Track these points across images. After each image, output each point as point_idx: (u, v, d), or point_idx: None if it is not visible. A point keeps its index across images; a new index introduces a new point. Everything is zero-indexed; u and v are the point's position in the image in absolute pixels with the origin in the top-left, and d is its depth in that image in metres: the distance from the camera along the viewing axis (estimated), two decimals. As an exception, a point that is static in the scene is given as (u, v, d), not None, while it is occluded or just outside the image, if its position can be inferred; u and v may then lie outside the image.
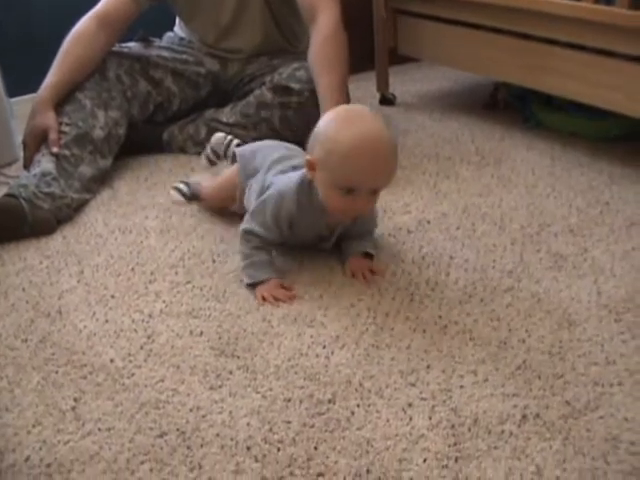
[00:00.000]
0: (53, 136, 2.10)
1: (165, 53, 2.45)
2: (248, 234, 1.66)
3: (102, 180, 2.20)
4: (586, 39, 2.07)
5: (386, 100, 2.78)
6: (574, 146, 2.29)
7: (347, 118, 1.55)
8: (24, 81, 2.75)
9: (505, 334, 1.45)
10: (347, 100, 2.18)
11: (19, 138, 2.49)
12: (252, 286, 1.63)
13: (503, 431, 1.22)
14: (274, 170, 1.73)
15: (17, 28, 2.81)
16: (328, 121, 1.57)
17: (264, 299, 1.60)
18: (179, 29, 2.57)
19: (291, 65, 2.32)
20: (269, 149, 1.83)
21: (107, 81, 2.29)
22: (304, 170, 1.62)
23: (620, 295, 1.55)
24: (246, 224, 1.67)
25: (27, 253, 1.87)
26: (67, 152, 2.10)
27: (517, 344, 1.42)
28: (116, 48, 2.38)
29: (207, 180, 2.03)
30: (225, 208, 1.94)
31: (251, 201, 1.73)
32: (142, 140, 2.38)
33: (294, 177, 1.64)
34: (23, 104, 2.79)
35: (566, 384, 1.31)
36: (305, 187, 1.62)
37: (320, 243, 1.74)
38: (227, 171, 1.93)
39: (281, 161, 1.75)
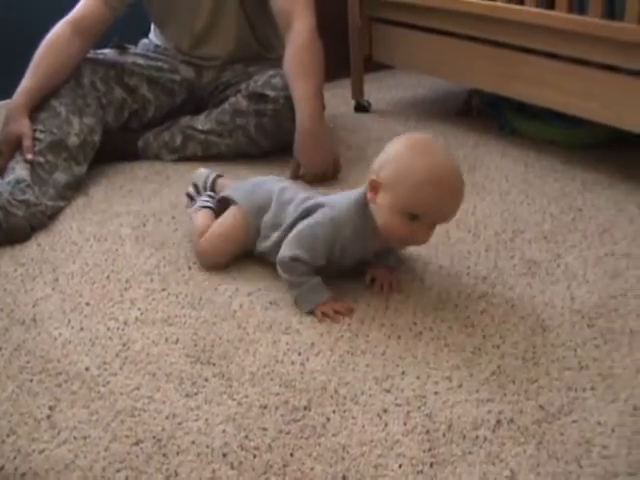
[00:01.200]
0: (27, 143, 2.09)
1: (140, 60, 2.45)
2: (294, 261, 1.58)
3: (77, 187, 2.19)
4: (560, 48, 2.09)
5: (361, 107, 2.79)
6: (548, 153, 2.31)
7: (422, 146, 1.54)
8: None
9: (479, 340, 1.46)
10: (322, 107, 2.19)
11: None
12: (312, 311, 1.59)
13: (477, 436, 1.23)
14: (301, 198, 1.69)
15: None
16: (401, 146, 1.55)
17: (325, 315, 1.56)
18: (154, 36, 2.57)
19: (267, 72, 2.32)
20: (261, 183, 1.80)
21: (82, 88, 2.28)
22: (359, 192, 1.60)
23: (593, 301, 1.57)
24: (291, 251, 1.59)
25: (1, 261, 1.86)
26: (41, 159, 2.09)
27: (491, 350, 1.43)
28: (91, 55, 2.37)
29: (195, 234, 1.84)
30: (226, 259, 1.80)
31: (271, 237, 1.69)
32: (117, 147, 2.37)
33: (348, 200, 1.61)
34: (-2, 110, 2.78)
35: (540, 389, 1.33)
36: (362, 210, 1.58)
37: (358, 266, 1.69)
38: (223, 220, 1.79)
39: (290, 189, 1.74)
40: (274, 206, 1.71)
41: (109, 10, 2.32)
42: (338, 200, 1.63)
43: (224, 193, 1.85)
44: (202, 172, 2.01)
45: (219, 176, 2.00)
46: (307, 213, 1.63)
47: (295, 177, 2.15)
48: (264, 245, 1.71)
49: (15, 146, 2.11)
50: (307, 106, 2.14)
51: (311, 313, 1.57)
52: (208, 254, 1.76)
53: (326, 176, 2.15)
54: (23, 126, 2.12)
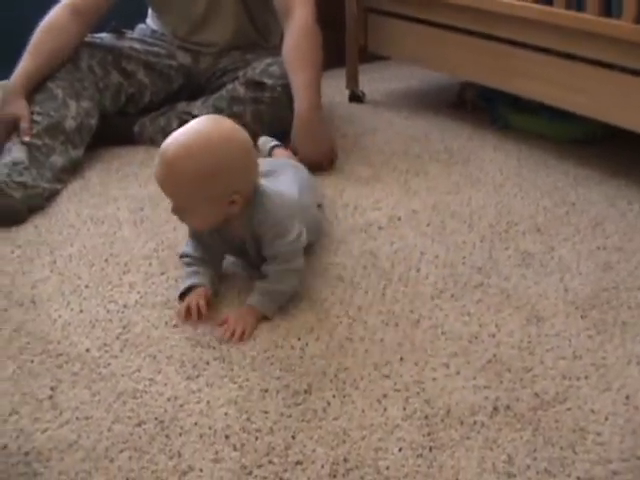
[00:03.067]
0: (25, 125, 2.09)
1: (137, 45, 2.45)
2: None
3: (73, 170, 2.20)
4: (555, 43, 2.11)
5: (355, 97, 2.81)
6: (541, 147, 2.33)
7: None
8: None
9: (476, 329, 1.49)
10: (320, 97, 2.21)
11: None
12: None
13: (475, 422, 1.25)
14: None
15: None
16: None
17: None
18: (151, 21, 2.57)
19: (264, 60, 2.33)
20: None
21: (79, 71, 2.28)
22: None
23: (586, 293, 1.59)
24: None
25: (-2, 242, 1.87)
26: (39, 142, 2.09)
27: (487, 338, 1.46)
28: (88, 39, 2.37)
29: None
30: None
31: None
32: (113, 131, 2.38)
33: None
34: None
35: (535, 377, 1.35)
36: None
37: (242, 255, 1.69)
38: None
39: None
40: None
41: None
42: None
43: None
44: (263, 139, 2.08)
45: (277, 146, 2.07)
46: None
47: None
48: None
49: (12, 128, 2.11)
50: (305, 95, 2.15)
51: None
52: None
53: (323, 165, 2.16)
54: (21, 108, 2.12)
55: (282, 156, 2.02)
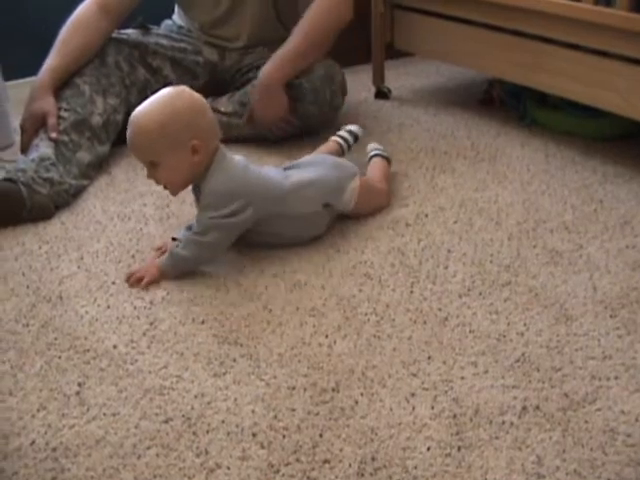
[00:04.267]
0: (52, 121, 2.10)
1: (164, 41, 2.45)
2: None
3: (100, 166, 2.21)
4: (583, 39, 2.09)
5: (381, 94, 2.79)
6: (568, 144, 2.31)
7: None
8: (20, 64, 2.75)
9: (504, 327, 1.48)
10: (294, 71, 2.25)
11: (15, 122, 2.49)
12: None
13: (504, 422, 1.24)
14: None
15: (13, 11, 2.80)
16: None
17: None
18: (178, 17, 2.57)
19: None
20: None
21: (106, 67, 2.29)
22: None
23: (615, 292, 1.58)
24: None
25: (25, 238, 1.87)
26: (65, 138, 2.10)
27: (516, 337, 1.45)
28: (115, 34, 2.37)
29: None
30: None
31: None
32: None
33: None
34: (19, 88, 2.78)
35: (564, 377, 1.34)
36: None
37: None
38: None
39: None
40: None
41: None
42: None
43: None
44: (371, 145, 2.16)
45: (377, 155, 2.12)
46: None
47: (250, 121, 2.31)
48: None
49: (39, 124, 2.12)
50: (277, 65, 2.22)
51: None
52: None
53: (272, 128, 2.32)
54: (48, 104, 2.13)
55: (378, 168, 2.05)
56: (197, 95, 1.71)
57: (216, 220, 1.67)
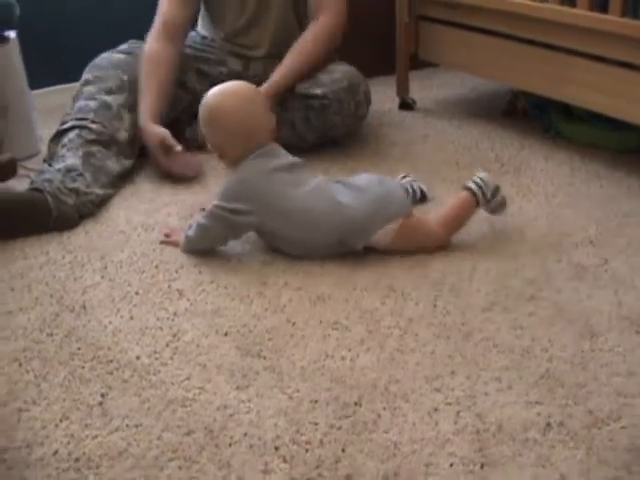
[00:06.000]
0: (170, 141, 2.18)
1: (188, 51, 2.46)
2: None
3: (125, 177, 2.22)
4: (609, 52, 2.08)
5: (406, 105, 2.79)
6: (593, 157, 2.30)
7: None
8: (46, 73, 2.77)
9: (528, 342, 1.47)
10: (285, 92, 2.30)
11: (40, 131, 2.51)
12: None
13: (527, 438, 1.23)
14: None
15: (40, 20, 2.83)
16: None
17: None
18: (201, 28, 2.57)
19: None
20: None
21: (134, 83, 2.29)
22: None
23: (640, 307, 1.57)
24: None
25: (49, 247, 1.88)
26: (94, 148, 2.11)
27: (540, 353, 1.44)
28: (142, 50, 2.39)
29: None
30: None
31: None
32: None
33: None
34: (45, 96, 2.81)
35: (589, 394, 1.33)
36: None
37: None
38: None
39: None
40: None
41: (187, 9, 2.39)
42: None
43: None
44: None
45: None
46: None
47: None
48: None
49: (164, 148, 2.20)
50: (272, 85, 2.26)
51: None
52: None
53: None
54: (158, 130, 2.20)
55: (452, 207, 1.82)
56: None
57: (219, 210, 1.75)
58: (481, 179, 1.82)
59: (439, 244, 1.80)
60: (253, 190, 1.74)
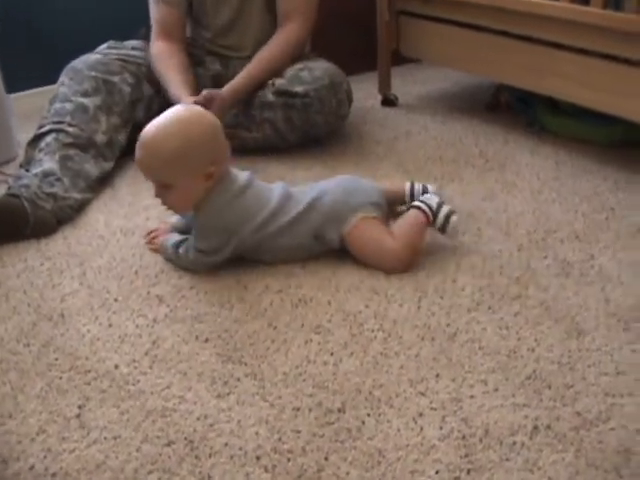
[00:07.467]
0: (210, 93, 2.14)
1: None
2: None
3: (104, 181, 2.18)
4: (591, 44, 2.06)
5: (388, 101, 2.77)
6: (579, 151, 2.27)
7: None
8: (24, 76, 2.73)
9: (514, 343, 1.44)
10: (245, 97, 2.28)
11: (18, 135, 2.47)
12: None
13: (515, 442, 1.21)
14: None
15: (19, 24, 2.79)
16: None
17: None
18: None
19: (294, 66, 2.30)
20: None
21: (110, 84, 2.26)
22: None
23: (628, 303, 1.54)
24: None
25: (27, 254, 1.85)
26: (71, 152, 2.08)
27: (526, 353, 1.41)
28: (119, 54, 2.35)
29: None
30: None
31: None
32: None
33: None
34: (22, 100, 2.78)
35: (577, 394, 1.30)
36: None
37: None
38: None
39: None
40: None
41: (177, 10, 2.38)
42: None
43: None
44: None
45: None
46: None
47: None
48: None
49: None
50: (234, 87, 2.24)
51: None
52: None
53: None
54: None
55: (408, 223, 1.73)
56: (212, 117, 1.71)
57: (201, 255, 1.71)
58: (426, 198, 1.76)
59: (396, 265, 1.69)
60: (227, 220, 1.68)
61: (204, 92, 2.12)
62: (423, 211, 1.72)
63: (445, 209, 1.72)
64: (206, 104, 2.03)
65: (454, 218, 1.71)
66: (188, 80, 2.27)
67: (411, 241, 1.70)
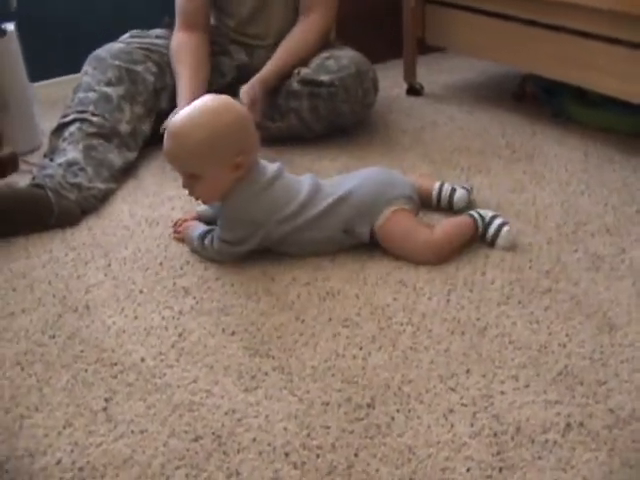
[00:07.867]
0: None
1: None
2: None
3: (128, 171, 2.17)
4: (621, 33, 2.02)
5: (413, 90, 2.74)
6: (606, 142, 2.24)
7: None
8: (48, 65, 2.72)
9: (545, 338, 1.42)
10: (276, 84, 2.26)
11: (42, 124, 2.46)
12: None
13: (547, 440, 1.19)
14: None
15: (40, 11, 2.78)
16: None
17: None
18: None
19: (320, 54, 2.27)
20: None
21: (134, 74, 2.24)
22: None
23: (661, 298, 1.52)
24: None
25: (52, 245, 1.84)
26: (95, 142, 2.07)
27: (557, 348, 1.39)
28: (144, 41, 2.34)
29: None
30: None
31: None
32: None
33: None
34: (47, 88, 2.77)
35: (609, 391, 1.28)
36: None
37: None
38: None
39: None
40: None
41: None
42: None
43: None
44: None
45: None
46: None
47: None
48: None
49: None
50: (264, 75, 2.23)
51: None
52: None
53: None
54: None
55: (453, 223, 1.73)
56: (240, 107, 1.70)
57: (226, 246, 1.70)
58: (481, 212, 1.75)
59: (432, 257, 1.67)
60: (254, 212, 1.66)
61: (243, 99, 2.10)
62: (474, 219, 1.72)
63: (498, 221, 1.71)
64: (250, 107, 2.05)
65: (505, 229, 1.70)
66: (199, 78, 2.25)
67: (449, 237, 1.69)
